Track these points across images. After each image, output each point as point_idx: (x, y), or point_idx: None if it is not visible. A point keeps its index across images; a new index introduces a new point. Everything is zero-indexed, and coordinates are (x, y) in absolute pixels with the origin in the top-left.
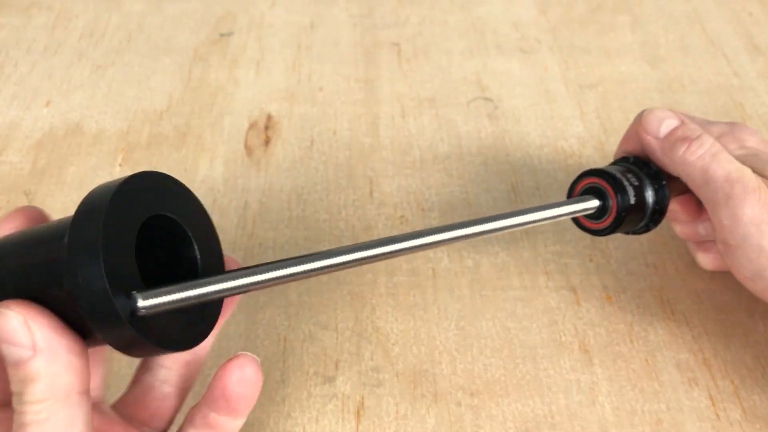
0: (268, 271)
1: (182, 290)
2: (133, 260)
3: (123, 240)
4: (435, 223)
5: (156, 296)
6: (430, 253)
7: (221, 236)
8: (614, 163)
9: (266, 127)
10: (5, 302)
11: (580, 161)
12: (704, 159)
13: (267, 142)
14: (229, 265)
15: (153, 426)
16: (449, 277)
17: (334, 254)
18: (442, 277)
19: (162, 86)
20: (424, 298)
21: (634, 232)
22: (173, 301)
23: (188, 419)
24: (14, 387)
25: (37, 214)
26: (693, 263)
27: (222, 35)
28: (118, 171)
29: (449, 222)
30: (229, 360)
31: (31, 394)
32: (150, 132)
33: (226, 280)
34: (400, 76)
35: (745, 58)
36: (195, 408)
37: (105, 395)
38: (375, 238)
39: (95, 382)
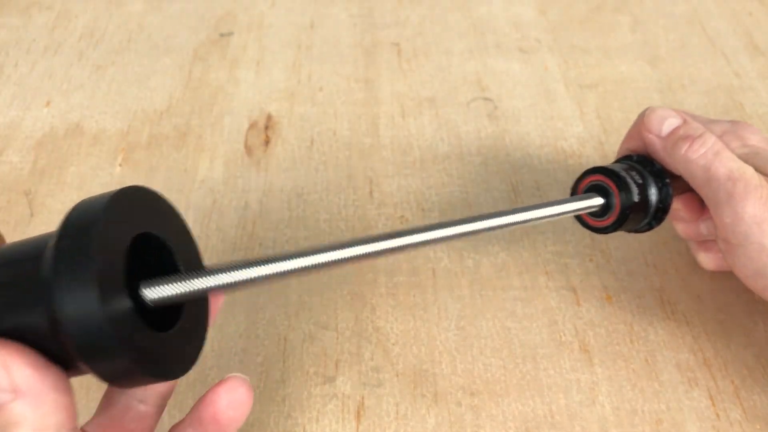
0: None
1: (183, 285)
2: (121, 282)
3: (113, 261)
4: None
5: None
6: (430, 253)
7: (221, 236)
8: (618, 161)
9: (266, 127)
10: None
11: (580, 161)
12: (706, 157)
13: (267, 142)
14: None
15: None
16: (449, 277)
17: (333, 247)
18: (442, 277)
19: (162, 86)
20: (424, 298)
21: (637, 231)
22: (176, 295)
23: None
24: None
25: None
26: (693, 263)
27: (222, 35)
28: (118, 171)
29: None
30: (219, 384)
31: None
32: (150, 132)
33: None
34: (400, 76)
35: (745, 58)
36: (178, 428)
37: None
38: None
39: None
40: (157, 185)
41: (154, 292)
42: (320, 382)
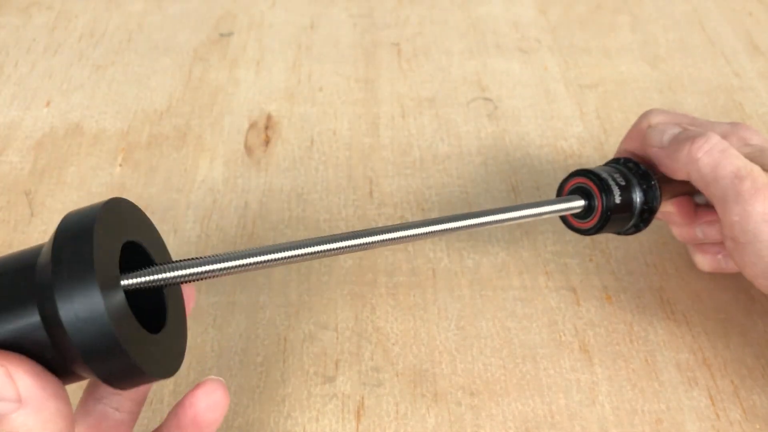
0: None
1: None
2: (118, 285)
3: (109, 265)
4: None
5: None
6: (430, 253)
7: (221, 236)
8: (606, 164)
9: (266, 127)
10: None
11: (580, 161)
12: (712, 155)
13: (267, 142)
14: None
15: None
16: (449, 277)
17: (311, 243)
18: (442, 277)
19: (162, 86)
20: (424, 298)
21: (625, 232)
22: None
23: None
24: None
25: None
26: (693, 263)
27: (222, 35)
28: (118, 171)
29: None
30: (197, 387)
31: None
32: (150, 132)
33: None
34: (400, 76)
35: (745, 58)
36: None
37: None
38: None
39: None
40: (157, 185)
41: (134, 281)
42: (320, 382)
